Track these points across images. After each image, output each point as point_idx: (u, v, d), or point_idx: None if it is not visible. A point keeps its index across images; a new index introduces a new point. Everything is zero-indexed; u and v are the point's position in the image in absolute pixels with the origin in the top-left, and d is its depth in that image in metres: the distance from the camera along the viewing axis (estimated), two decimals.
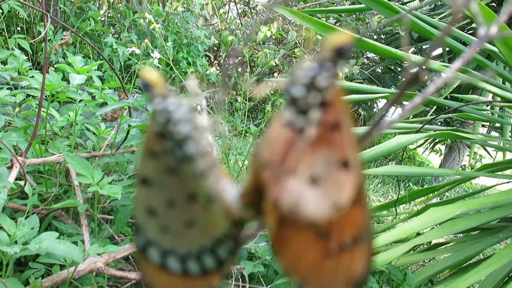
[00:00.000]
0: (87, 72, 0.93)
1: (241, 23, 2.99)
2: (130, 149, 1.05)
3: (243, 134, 1.45)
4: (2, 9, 1.57)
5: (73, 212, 0.88)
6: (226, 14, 3.25)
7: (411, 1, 2.97)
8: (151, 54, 1.30)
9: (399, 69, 3.28)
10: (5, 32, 1.70)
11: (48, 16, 0.68)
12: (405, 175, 2.86)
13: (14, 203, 0.78)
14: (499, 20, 0.21)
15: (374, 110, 3.80)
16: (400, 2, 2.92)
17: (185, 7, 2.25)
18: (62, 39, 0.94)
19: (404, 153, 3.54)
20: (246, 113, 1.35)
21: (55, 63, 1.62)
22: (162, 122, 0.20)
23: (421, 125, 1.16)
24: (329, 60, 0.18)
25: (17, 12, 1.83)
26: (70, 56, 0.94)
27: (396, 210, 1.18)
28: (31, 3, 1.86)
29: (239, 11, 3.31)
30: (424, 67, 0.20)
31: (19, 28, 1.93)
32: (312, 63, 0.19)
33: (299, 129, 0.19)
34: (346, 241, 0.22)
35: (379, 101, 3.77)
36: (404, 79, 0.21)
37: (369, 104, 3.59)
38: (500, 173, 1.22)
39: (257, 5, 3.25)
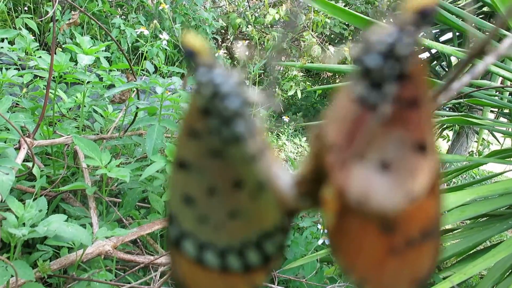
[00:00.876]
0: (95, 53, 0.92)
1: (249, 6, 2.95)
2: (138, 132, 1.05)
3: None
4: None
5: (81, 195, 0.88)
6: None
7: None
8: (160, 36, 1.28)
9: None
10: (12, 12, 1.69)
11: None
12: None
13: (22, 185, 0.78)
14: None
15: None
16: None
17: None
18: (70, 19, 0.93)
19: None
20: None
21: (63, 44, 1.61)
22: (207, 95, 0.18)
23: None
24: (411, 24, 0.15)
25: None
26: (78, 36, 0.93)
27: None
28: None
29: None
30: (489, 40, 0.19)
31: (26, 8, 1.91)
32: (390, 27, 0.16)
33: (371, 106, 0.16)
34: (414, 236, 0.19)
35: None
36: (469, 50, 0.19)
37: None
38: (509, 159, 1.21)
39: None
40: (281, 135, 2.77)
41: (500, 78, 1.93)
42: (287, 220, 0.21)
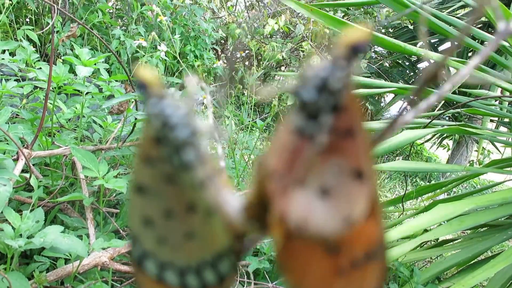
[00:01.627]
0: (94, 64, 0.93)
1: (248, 16, 2.97)
2: (137, 143, 1.05)
3: (249, 129, 1.44)
4: (11, 0, 1.57)
5: (79, 206, 0.88)
6: (234, 7, 3.23)
7: None
8: (158, 47, 1.29)
9: (407, 63, 3.25)
10: (13, 23, 1.71)
11: (56, 8, 0.68)
12: (412, 171, 2.85)
13: (20, 195, 0.78)
14: None
15: (382, 104, 3.78)
16: None
17: (193, 0, 2.24)
18: (69, 30, 0.94)
19: (412, 148, 3.52)
20: (253, 107, 1.34)
21: (63, 55, 1.62)
22: (157, 126, 0.19)
23: (429, 120, 1.15)
24: (343, 58, 0.16)
25: (26, 3, 1.83)
26: (77, 48, 0.94)
27: (403, 206, 1.17)
28: None
29: (247, 4, 3.29)
30: (442, 65, 0.19)
31: (27, 20, 1.93)
32: (324, 62, 0.17)
33: (308, 136, 0.17)
34: (358, 257, 0.20)
35: (387, 96, 3.75)
36: (419, 76, 0.20)
37: (376, 98, 3.57)
38: (509, 169, 1.21)
39: None
40: None
41: (500, 88, 1.94)
42: (238, 242, 0.22)
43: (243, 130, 1.44)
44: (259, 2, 3.23)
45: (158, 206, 0.21)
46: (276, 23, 2.64)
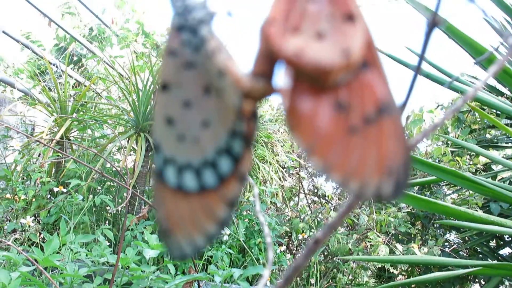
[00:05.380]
0: (161, 248, 0.98)
1: (310, 211, 3.06)
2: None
3: None
4: (95, 203, 1.76)
5: None
6: (297, 204, 3.37)
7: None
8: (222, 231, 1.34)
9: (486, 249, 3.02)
10: (94, 225, 1.88)
11: (130, 190, 0.77)
12: None
13: None
14: None
15: None
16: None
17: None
18: (141, 212, 1.03)
19: None
20: None
21: (132, 242, 1.72)
22: (179, 10, 0.24)
23: None
24: None
25: (106, 206, 2.04)
26: (146, 234, 1.01)
27: None
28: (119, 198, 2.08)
29: (309, 201, 3.42)
30: None
31: (107, 222, 2.12)
32: None
33: None
34: (369, 111, 0.19)
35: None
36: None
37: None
38: None
39: (325, 194, 3.36)
40: None
41: None
42: (249, 104, 0.22)
43: None
44: (321, 198, 3.35)
45: (179, 99, 0.24)
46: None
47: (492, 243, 2.91)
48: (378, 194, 0.20)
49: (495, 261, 2.92)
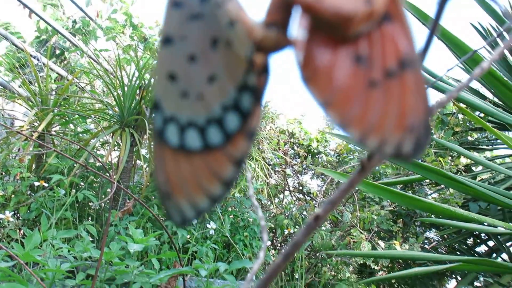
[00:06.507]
0: (145, 242, 0.97)
1: (296, 208, 3.07)
2: None
3: None
4: (77, 198, 1.73)
5: None
6: (282, 201, 3.38)
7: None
8: (208, 225, 1.33)
9: (464, 247, 3.08)
10: (76, 221, 1.85)
11: (115, 184, 0.76)
12: None
13: None
14: None
15: None
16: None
17: (242, 191, 2.39)
18: (125, 206, 1.01)
19: None
20: None
21: (116, 237, 1.69)
22: None
23: None
24: None
25: (88, 202, 2.01)
26: (131, 228, 0.99)
27: None
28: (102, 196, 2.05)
29: (294, 198, 3.43)
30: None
31: (90, 218, 2.09)
32: None
33: None
34: (391, 65, 0.18)
35: (448, 283, 3.45)
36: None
37: (437, 286, 3.29)
38: None
39: (310, 192, 3.37)
40: None
41: None
42: (261, 57, 0.21)
43: None
44: (305, 195, 3.36)
45: (183, 53, 0.22)
46: None
47: (470, 241, 2.97)
48: (398, 151, 0.19)
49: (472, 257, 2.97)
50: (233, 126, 0.22)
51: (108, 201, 2.07)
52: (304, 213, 2.87)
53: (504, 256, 2.63)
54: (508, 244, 2.55)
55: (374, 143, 0.19)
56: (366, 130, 0.19)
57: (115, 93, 2.24)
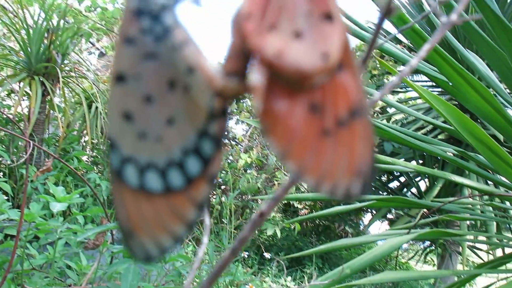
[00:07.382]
0: (68, 200, 0.93)
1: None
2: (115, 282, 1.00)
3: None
4: None
5: None
6: None
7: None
8: None
9: (378, 183, 3.34)
10: None
11: (31, 143, 0.70)
12: (402, 280, 2.74)
13: None
14: (458, 9, 0.23)
15: (360, 227, 3.77)
16: None
17: None
18: (45, 165, 0.96)
19: (397, 267, 3.44)
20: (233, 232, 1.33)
21: (34, 195, 1.61)
22: None
23: (408, 231, 1.15)
24: None
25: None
26: (51, 185, 0.94)
27: None
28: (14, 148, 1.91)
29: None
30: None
31: (1, 174, 1.95)
32: None
33: None
34: (342, 114, 0.19)
35: (364, 217, 3.77)
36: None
37: (355, 220, 3.58)
38: (494, 269, 1.19)
39: (235, 137, 3.41)
40: (265, 276, 2.67)
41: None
42: (220, 102, 0.21)
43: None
44: (231, 140, 3.39)
45: (138, 93, 0.21)
46: (249, 156, 2.74)
47: (384, 178, 3.22)
48: (347, 194, 0.20)
49: (385, 194, 3.24)
50: (194, 170, 0.22)
51: (21, 155, 1.94)
52: (231, 157, 2.91)
53: (414, 190, 2.90)
54: (417, 179, 2.81)
55: (327, 189, 0.20)
56: (320, 178, 0.20)
57: (18, 36, 2.03)
